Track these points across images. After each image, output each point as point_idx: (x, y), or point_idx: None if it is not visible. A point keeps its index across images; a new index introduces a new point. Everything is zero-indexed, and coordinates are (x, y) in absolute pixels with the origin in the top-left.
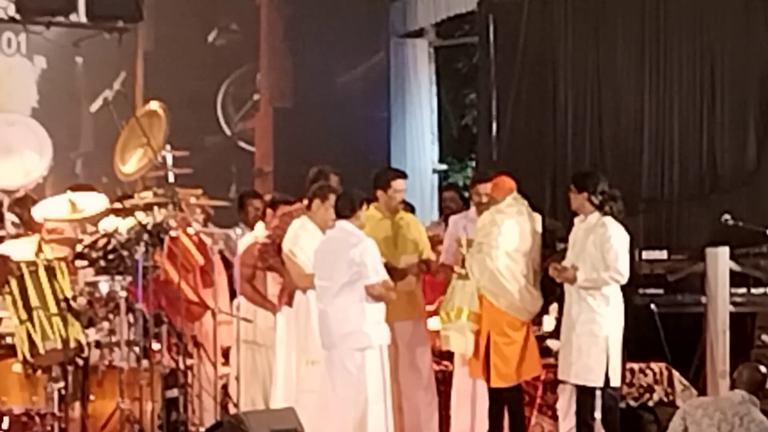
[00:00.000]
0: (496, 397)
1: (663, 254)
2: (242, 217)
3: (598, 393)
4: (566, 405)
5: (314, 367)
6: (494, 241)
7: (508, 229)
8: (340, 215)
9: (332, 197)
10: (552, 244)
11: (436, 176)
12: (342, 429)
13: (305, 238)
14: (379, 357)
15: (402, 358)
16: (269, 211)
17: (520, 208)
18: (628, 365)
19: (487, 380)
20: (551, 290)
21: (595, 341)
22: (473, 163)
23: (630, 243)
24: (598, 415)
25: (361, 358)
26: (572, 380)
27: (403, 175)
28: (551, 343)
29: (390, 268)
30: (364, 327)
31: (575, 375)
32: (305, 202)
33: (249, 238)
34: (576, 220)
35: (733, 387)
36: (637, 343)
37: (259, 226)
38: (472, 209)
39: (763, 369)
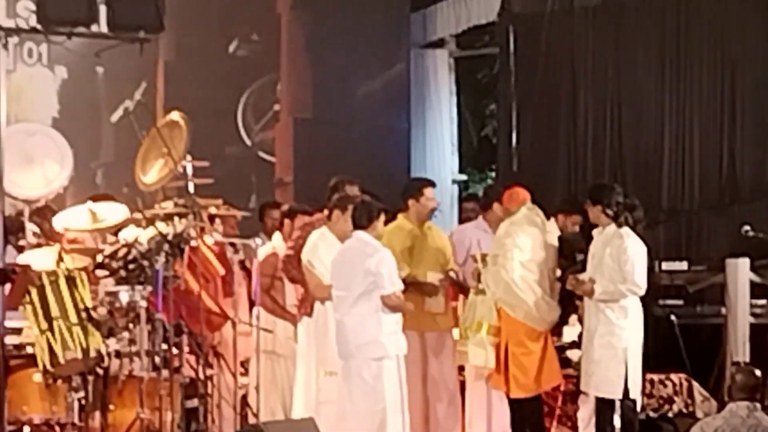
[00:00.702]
0: (517, 408)
1: (683, 265)
2: (262, 227)
3: (618, 404)
4: (587, 416)
5: (333, 378)
6: (509, 252)
7: (522, 240)
8: (357, 225)
9: (352, 208)
10: (571, 255)
11: (455, 187)
12: None
13: (324, 248)
14: (397, 367)
15: (430, 368)
16: (287, 221)
17: (534, 219)
18: (648, 376)
19: (507, 391)
20: (571, 301)
21: (613, 353)
22: (493, 174)
23: (650, 254)
24: (618, 425)
25: (378, 368)
26: (591, 392)
27: (433, 184)
28: (571, 353)
29: (416, 282)
30: (380, 337)
31: (594, 387)
32: (325, 212)
33: (267, 248)
34: (595, 232)
35: (729, 393)
36: (657, 353)
37: (277, 236)
38: (480, 220)
39: (757, 372)
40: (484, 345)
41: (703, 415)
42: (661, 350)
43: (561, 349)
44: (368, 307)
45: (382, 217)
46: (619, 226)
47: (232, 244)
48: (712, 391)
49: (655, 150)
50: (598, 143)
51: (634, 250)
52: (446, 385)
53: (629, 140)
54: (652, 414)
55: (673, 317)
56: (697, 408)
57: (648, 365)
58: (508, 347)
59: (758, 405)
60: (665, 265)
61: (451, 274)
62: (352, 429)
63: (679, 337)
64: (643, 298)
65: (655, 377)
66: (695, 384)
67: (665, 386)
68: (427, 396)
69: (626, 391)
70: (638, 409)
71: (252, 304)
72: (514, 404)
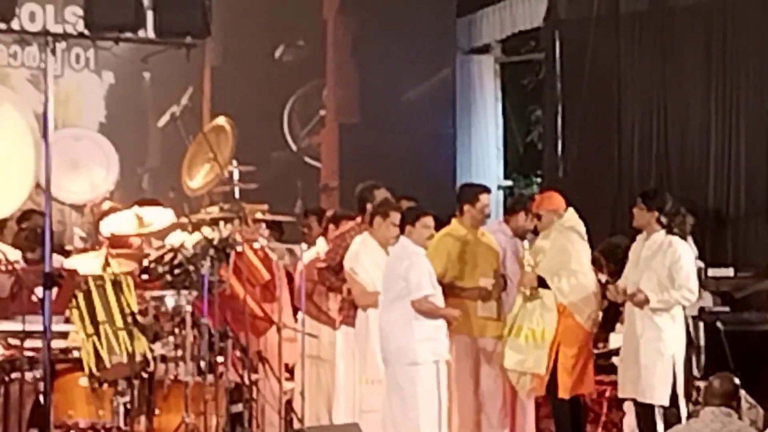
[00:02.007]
0: (564, 409)
1: (729, 272)
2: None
3: (660, 411)
4: (634, 423)
5: (375, 387)
6: (575, 257)
7: (580, 245)
8: (402, 230)
9: (393, 214)
10: (620, 260)
11: (501, 192)
12: None
13: (366, 255)
14: (434, 373)
15: (482, 374)
16: (331, 226)
17: (579, 223)
18: (694, 383)
19: (555, 392)
20: (616, 308)
21: (660, 359)
22: (539, 180)
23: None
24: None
25: (412, 374)
26: (638, 398)
27: (488, 190)
28: (617, 360)
29: (469, 288)
30: (412, 342)
31: (641, 393)
32: (358, 220)
33: (310, 254)
34: (639, 237)
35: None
36: (704, 361)
37: (320, 242)
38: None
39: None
40: (521, 350)
41: (750, 422)
42: (707, 357)
43: (608, 356)
44: (401, 312)
45: (424, 221)
46: (669, 233)
47: (277, 250)
48: (758, 398)
49: (701, 156)
50: (644, 149)
51: (687, 257)
52: (498, 391)
53: (675, 146)
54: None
55: (719, 324)
56: (744, 415)
57: (694, 372)
58: (560, 349)
59: (732, 412)
60: (711, 272)
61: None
62: None
63: (726, 343)
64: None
65: (701, 384)
66: (741, 391)
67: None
68: (479, 402)
69: (674, 398)
70: (683, 415)
71: (295, 310)
72: (560, 406)
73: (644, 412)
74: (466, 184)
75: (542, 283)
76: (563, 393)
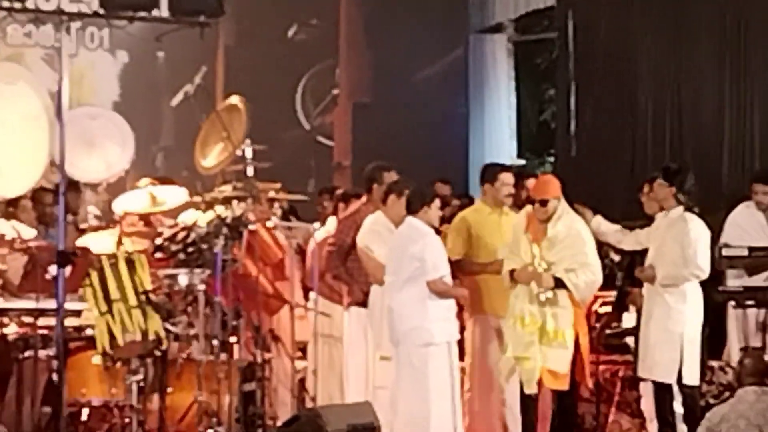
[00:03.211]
0: (571, 398)
1: (743, 251)
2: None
3: (676, 390)
4: (651, 405)
5: (388, 363)
6: (586, 246)
7: (586, 232)
8: (410, 211)
9: (408, 193)
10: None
11: None
12: (409, 426)
13: (379, 233)
14: (446, 354)
15: None
16: (341, 205)
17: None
18: (708, 363)
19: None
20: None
21: (669, 337)
22: (552, 159)
23: (710, 240)
24: (680, 412)
25: (425, 355)
26: (645, 375)
27: (509, 170)
28: (630, 339)
29: (487, 263)
30: (426, 323)
31: (648, 370)
32: (363, 199)
33: (321, 233)
34: (658, 216)
35: (738, 378)
36: (717, 340)
37: (331, 220)
38: None
39: (767, 357)
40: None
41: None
42: (721, 337)
43: (621, 335)
44: (415, 292)
45: (437, 203)
46: (687, 210)
47: (290, 228)
48: None
49: (715, 135)
50: (658, 128)
51: (698, 233)
52: None
53: (689, 125)
54: (712, 401)
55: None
56: None
57: (708, 352)
58: (579, 339)
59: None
60: (725, 252)
61: None
62: (402, 413)
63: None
64: (703, 285)
65: (715, 364)
66: None
67: (725, 373)
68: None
69: (680, 377)
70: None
71: (306, 289)
72: (569, 396)
73: (660, 392)
74: (488, 164)
75: (558, 283)
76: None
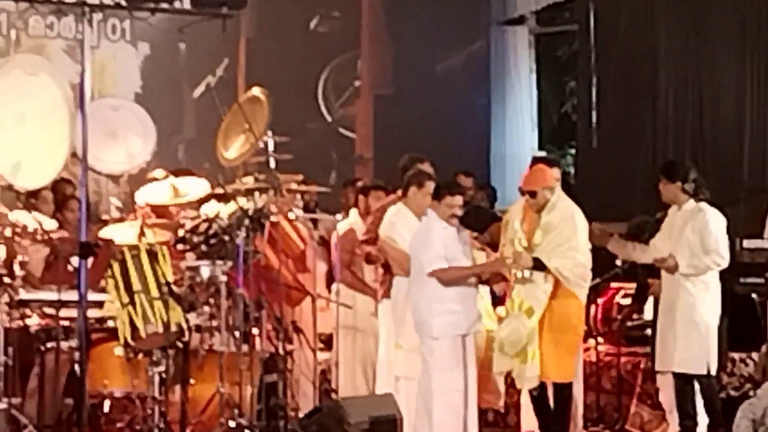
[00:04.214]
0: (561, 392)
1: (764, 243)
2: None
3: (698, 383)
4: (670, 397)
5: (410, 355)
6: (576, 235)
7: (580, 221)
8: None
9: (428, 184)
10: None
11: None
12: (416, 416)
13: (401, 225)
14: (452, 348)
15: None
16: (361, 197)
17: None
18: (729, 355)
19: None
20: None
21: (695, 328)
22: (573, 151)
23: (730, 231)
24: (700, 404)
25: (430, 348)
26: (676, 368)
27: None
28: (650, 331)
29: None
30: (428, 317)
31: (678, 364)
32: (399, 193)
33: (345, 224)
34: (670, 210)
35: (764, 371)
36: (739, 332)
37: (353, 212)
38: None
39: None
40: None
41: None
42: (742, 329)
43: (642, 327)
44: (419, 286)
45: (448, 200)
46: (699, 201)
47: (313, 220)
48: None
49: (736, 127)
50: (679, 120)
51: (716, 222)
52: None
53: (710, 117)
54: (733, 393)
55: (754, 295)
56: None
57: (729, 344)
58: (565, 331)
59: None
60: (746, 243)
61: None
62: (413, 403)
63: (761, 315)
64: (723, 276)
65: (737, 356)
66: None
67: (746, 365)
68: None
69: (709, 367)
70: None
71: (330, 280)
72: (562, 389)
73: (682, 384)
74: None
75: (537, 265)
76: (568, 376)
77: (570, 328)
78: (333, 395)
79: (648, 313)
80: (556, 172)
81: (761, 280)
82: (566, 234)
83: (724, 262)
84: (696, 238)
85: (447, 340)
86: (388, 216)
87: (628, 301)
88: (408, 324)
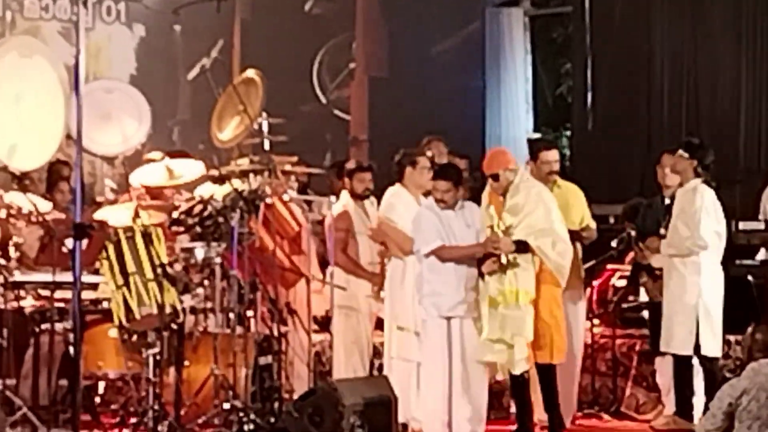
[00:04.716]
0: (547, 374)
1: (760, 225)
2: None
3: (696, 363)
4: (666, 379)
5: (405, 335)
6: (548, 217)
7: (549, 197)
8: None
9: (421, 159)
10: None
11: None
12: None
13: (400, 205)
14: (442, 329)
15: None
16: (346, 180)
17: (534, 179)
18: (725, 336)
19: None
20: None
21: (682, 309)
22: (568, 133)
23: (726, 213)
24: (700, 386)
25: (425, 328)
26: (662, 349)
27: (550, 147)
28: (646, 313)
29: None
30: (421, 298)
31: (665, 343)
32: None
33: (338, 206)
34: (679, 190)
35: (749, 352)
36: (734, 314)
37: (343, 195)
38: None
39: None
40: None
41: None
42: (738, 310)
43: (637, 309)
44: (414, 267)
45: (435, 185)
46: (704, 183)
47: (307, 202)
48: None
49: (732, 109)
50: (674, 101)
51: (703, 204)
52: (569, 346)
53: (705, 99)
54: (728, 375)
55: (749, 277)
56: None
57: (724, 326)
58: (552, 311)
59: None
60: (742, 225)
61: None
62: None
63: (756, 297)
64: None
65: (732, 338)
66: None
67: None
68: None
69: (697, 348)
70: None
71: (325, 263)
72: (548, 371)
73: (679, 365)
74: (530, 139)
75: (520, 248)
76: (558, 357)
77: (551, 311)
78: (327, 377)
79: (643, 295)
80: (554, 154)
81: (756, 262)
82: (535, 216)
83: (705, 246)
84: (684, 217)
85: (432, 321)
86: (386, 197)
87: (623, 283)
88: (404, 305)
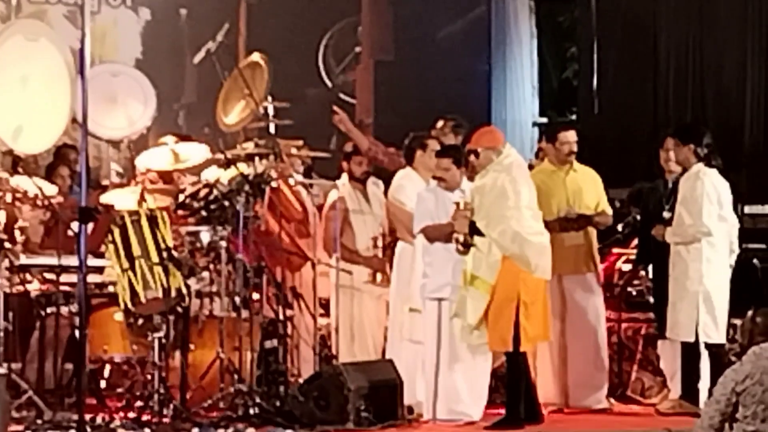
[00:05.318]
0: (514, 361)
1: (766, 209)
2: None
3: (702, 348)
4: (669, 364)
5: (417, 316)
6: (511, 200)
7: (524, 186)
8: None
9: (430, 142)
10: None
11: (536, 129)
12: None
13: (410, 187)
14: (434, 311)
15: (570, 312)
16: (344, 164)
17: (521, 161)
18: (730, 320)
19: (516, 345)
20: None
21: (685, 295)
22: (574, 117)
23: (733, 197)
24: (706, 371)
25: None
26: (667, 335)
27: (568, 128)
28: (651, 297)
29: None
30: (420, 279)
31: (669, 329)
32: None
33: (334, 194)
34: (682, 178)
35: (750, 336)
36: (740, 298)
37: (343, 177)
38: None
39: None
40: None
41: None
42: (743, 294)
43: (643, 293)
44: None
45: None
46: (709, 166)
47: (310, 186)
48: None
49: (738, 92)
50: (680, 85)
51: (706, 191)
52: (587, 329)
53: (711, 82)
54: (734, 359)
55: (755, 261)
56: None
57: (730, 310)
58: (520, 299)
59: None
60: (748, 209)
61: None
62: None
63: (762, 281)
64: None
65: (738, 322)
66: None
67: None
68: (566, 340)
69: (697, 334)
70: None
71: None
72: (518, 359)
73: (686, 351)
74: (547, 123)
75: (475, 229)
76: (525, 344)
77: (509, 298)
78: (333, 361)
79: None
80: (573, 134)
81: (762, 246)
82: (495, 204)
83: (707, 233)
84: (687, 205)
85: (427, 302)
86: (396, 179)
87: (629, 266)
88: (412, 287)
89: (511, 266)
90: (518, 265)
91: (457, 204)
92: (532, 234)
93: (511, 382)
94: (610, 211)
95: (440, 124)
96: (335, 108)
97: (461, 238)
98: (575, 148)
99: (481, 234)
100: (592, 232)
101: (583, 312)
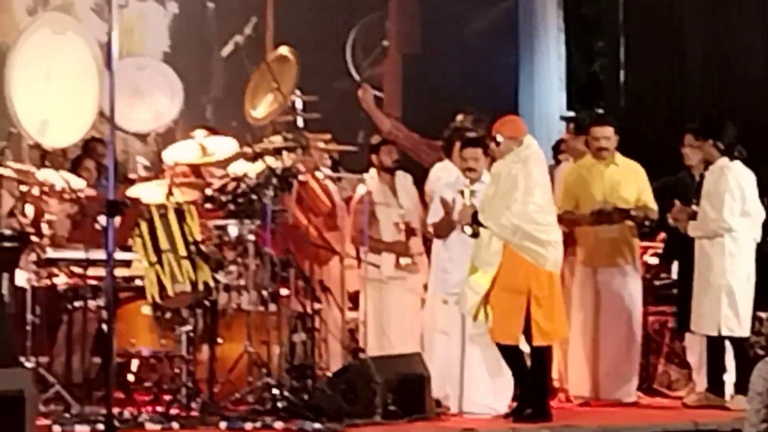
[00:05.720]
0: (543, 357)
1: None
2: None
3: (726, 342)
4: (696, 357)
5: (448, 307)
6: (519, 192)
7: (539, 177)
8: None
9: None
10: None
11: (563, 123)
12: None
13: (446, 179)
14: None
15: (604, 305)
16: (373, 157)
17: (540, 152)
18: (756, 313)
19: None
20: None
21: (708, 289)
22: (601, 110)
23: (760, 192)
24: (731, 365)
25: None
26: (693, 328)
27: (601, 123)
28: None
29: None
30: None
31: (694, 323)
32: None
33: (362, 188)
34: (707, 172)
35: None
36: (765, 291)
37: (372, 171)
38: None
39: None
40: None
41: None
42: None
43: (669, 286)
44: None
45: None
46: (732, 159)
47: (338, 179)
48: None
49: (764, 86)
50: (706, 79)
51: (729, 187)
52: (621, 321)
53: (737, 76)
54: (760, 352)
55: None
56: None
57: (756, 303)
58: (531, 293)
59: None
60: None
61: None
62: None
63: None
64: None
65: (764, 315)
66: None
67: None
68: (599, 333)
69: (720, 328)
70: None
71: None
72: (510, 352)
73: (710, 345)
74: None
75: (476, 219)
76: (538, 339)
77: (518, 291)
78: (361, 354)
79: (676, 273)
80: (602, 131)
81: None
82: (509, 191)
83: (729, 228)
84: (707, 200)
85: (449, 297)
86: (434, 171)
87: (655, 260)
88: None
89: (515, 257)
90: (525, 257)
91: (461, 192)
92: (538, 227)
93: (535, 376)
94: (653, 206)
95: (460, 117)
96: (364, 84)
97: (468, 230)
98: (604, 144)
99: (481, 224)
100: (631, 225)
101: (618, 305)
